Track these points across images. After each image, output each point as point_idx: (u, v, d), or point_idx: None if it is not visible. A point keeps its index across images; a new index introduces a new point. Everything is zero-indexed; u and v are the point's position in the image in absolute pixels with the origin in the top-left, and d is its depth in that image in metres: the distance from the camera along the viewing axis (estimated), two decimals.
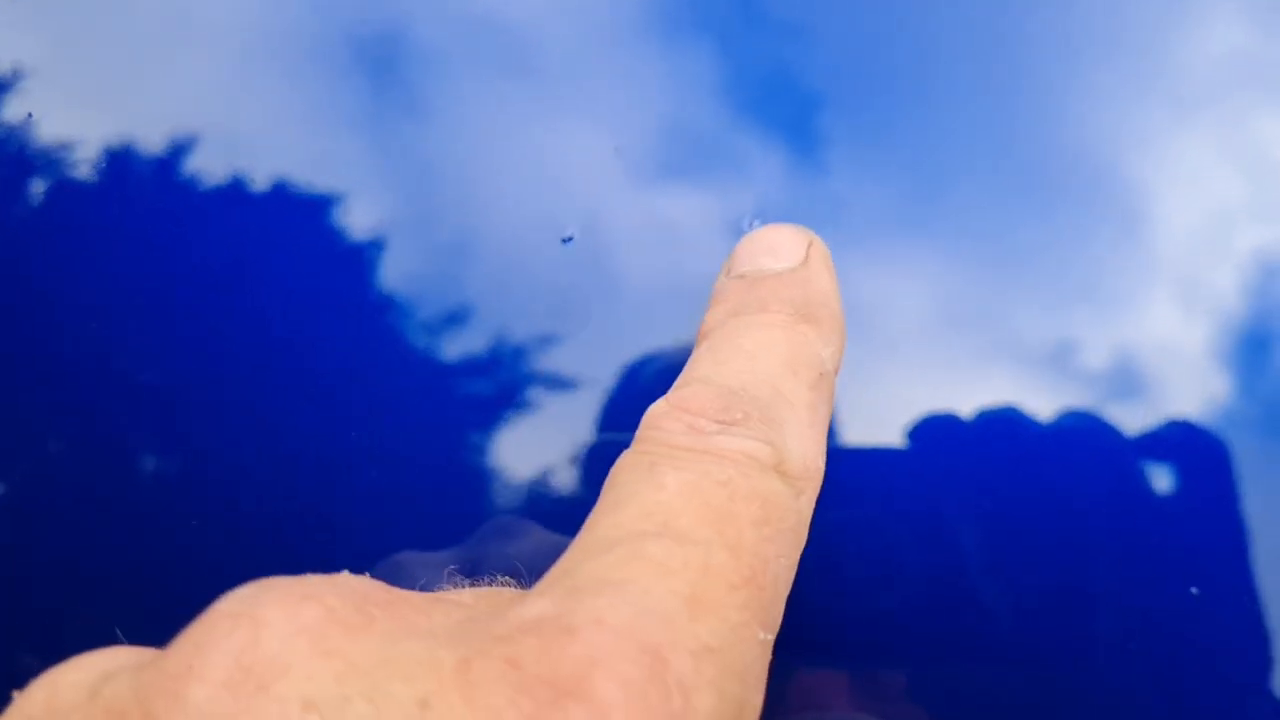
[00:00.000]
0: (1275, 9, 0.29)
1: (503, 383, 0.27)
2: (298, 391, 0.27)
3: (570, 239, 0.26)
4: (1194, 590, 0.25)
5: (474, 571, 0.22)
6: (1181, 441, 0.26)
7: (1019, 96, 0.29)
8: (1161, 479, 0.26)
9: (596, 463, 0.25)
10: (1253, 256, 0.28)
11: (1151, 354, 0.27)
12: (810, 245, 0.21)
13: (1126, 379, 0.27)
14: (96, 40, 0.30)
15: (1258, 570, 0.25)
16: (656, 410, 0.17)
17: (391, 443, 0.26)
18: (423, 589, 0.17)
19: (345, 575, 0.15)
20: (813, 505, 0.18)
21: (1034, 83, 0.29)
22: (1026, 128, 0.28)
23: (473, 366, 0.27)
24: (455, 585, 0.18)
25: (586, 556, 0.15)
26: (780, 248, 0.21)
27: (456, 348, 0.27)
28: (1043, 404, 0.27)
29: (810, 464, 0.17)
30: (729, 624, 0.14)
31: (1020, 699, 0.25)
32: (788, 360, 0.19)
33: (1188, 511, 0.26)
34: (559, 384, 0.27)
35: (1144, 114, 0.28)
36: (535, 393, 0.27)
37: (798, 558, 0.17)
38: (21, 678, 0.15)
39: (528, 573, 0.20)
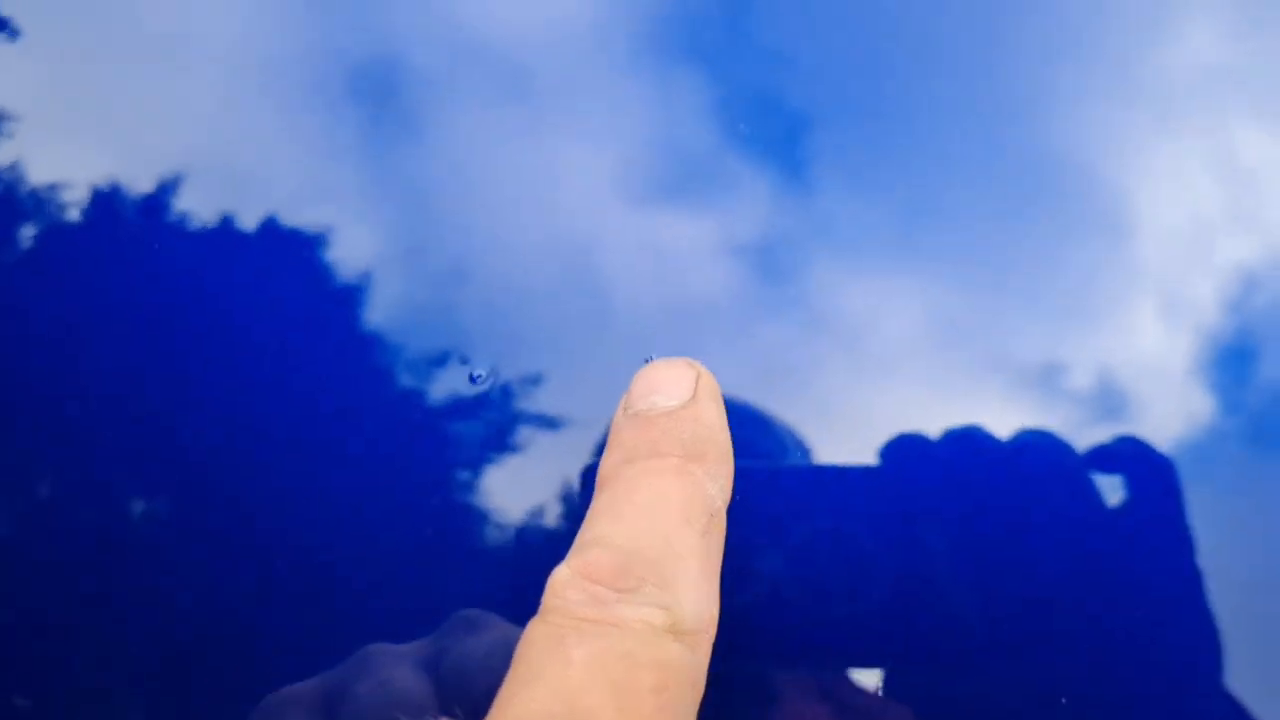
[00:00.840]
0: (1250, 21, 0.30)
1: (493, 422, 0.27)
2: (287, 440, 0.27)
3: (477, 378, 0.27)
4: (1063, 700, 0.26)
5: (437, 664, 0.23)
6: (1134, 456, 0.27)
7: (1001, 107, 0.29)
8: (1115, 493, 0.27)
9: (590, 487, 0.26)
10: (1234, 268, 0.28)
11: (1136, 370, 0.27)
12: (698, 379, 0.23)
13: (1112, 397, 0.27)
14: (85, 81, 0.30)
15: (1209, 579, 0.26)
16: (560, 578, 0.19)
17: (381, 502, 0.27)
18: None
19: None
20: (709, 653, 0.19)
21: (1016, 93, 0.29)
22: (1011, 139, 0.29)
23: (464, 403, 0.27)
24: None
25: None
26: (670, 385, 0.22)
27: (446, 385, 0.27)
28: (1029, 420, 0.27)
29: (704, 616, 0.19)
30: None
31: (995, 703, 0.26)
32: (680, 510, 0.20)
33: (1140, 523, 0.27)
34: (550, 421, 0.27)
35: (1126, 122, 0.29)
36: (527, 431, 0.27)
37: (697, 705, 0.19)
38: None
39: (488, 668, 0.22)
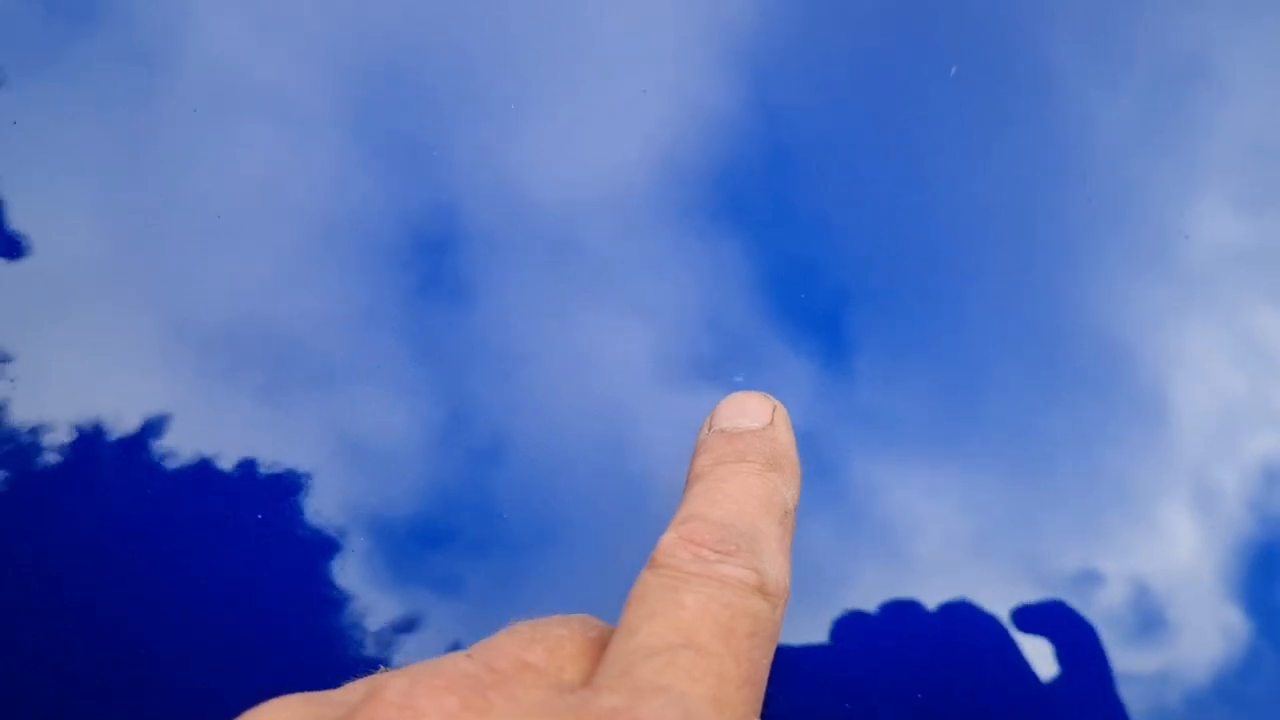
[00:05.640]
0: (1263, 198, 0.30)
1: (525, 600, 0.27)
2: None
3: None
4: None
5: None
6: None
7: (1036, 281, 0.30)
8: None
9: None
10: (1258, 461, 0.28)
11: (1172, 580, 0.27)
12: (774, 410, 0.26)
13: (1149, 609, 0.27)
14: (136, 246, 0.31)
15: None
16: (668, 541, 0.22)
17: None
18: None
19: (459, 660, 0.20)
20: (784, 614, 0.23)
21: (1051, 268, 0.30)
22: (1046, 317, 0.29)
23: (497, 588, 0.27)
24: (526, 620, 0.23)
25: (635, 661, 0.20)
26: (752, 410, 0.26)
27: (485, 567, 0.28)
28: (1063, 630, 0.27)
29: (783, 583, 0.23)
30: (738, 715, 0.20)
31: None
32: (762, 501, 0.24)
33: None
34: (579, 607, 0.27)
35: (1155, 300, 0.29)
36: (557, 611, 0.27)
37: (773, 655, 0.22)
38: None
39: None
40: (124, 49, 0.31)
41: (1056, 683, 0.26)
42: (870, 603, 0.27)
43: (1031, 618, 0.27)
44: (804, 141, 0.31)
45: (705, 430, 0.27)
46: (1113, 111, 0.30)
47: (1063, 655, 0.27)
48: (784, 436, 0.26)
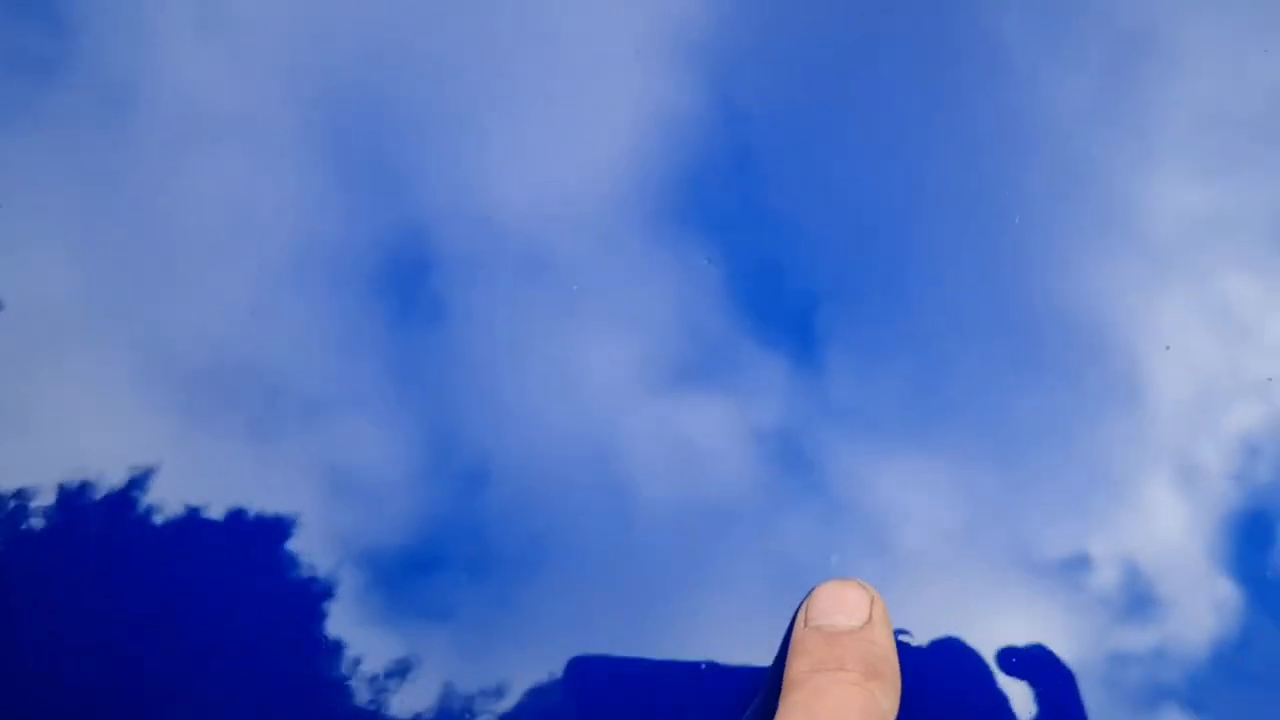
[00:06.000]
0: (1218, 165, 0.30)
1: (522, 631, 0.27)
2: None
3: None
4: None
5: None
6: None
7: (1005, 264, 0.30)
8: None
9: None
10: (1238, 433, 0.28)
11: (1159, 557, 0.27)
12: (873, 603, 0.26)
13: (1137, 588, 0.27)
14: (115, 282, 0.30)
15: None
16: None
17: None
18: None
19: None
20: None
21: (1019, 249, 0.30)
22: (1018, 300, 0.29)
23: (485, 607, 0.27)
24: None
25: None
26: (850, 606, 0.26)
27: (478, 594, 0.27)
28: (1056, 613, 0.27)
29: None
30: None
31: None
32: (862, 716, 0.23)
33: None
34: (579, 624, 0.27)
35: (1124, 274, 0.29)
36: (558, 632, 0.27)
37: None
38: None
39: None
40: (91, 94, 0.31)
41: None
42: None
43: (1016, 661, 0.27)
44: (767, 141, 0.31)
45: (801, 623, 0.26)
46: (1068, 91, 0.31)
47: (1041, 699, 0.27)
48: (883, 638, 0.25)
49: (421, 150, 0.31)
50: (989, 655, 0.27)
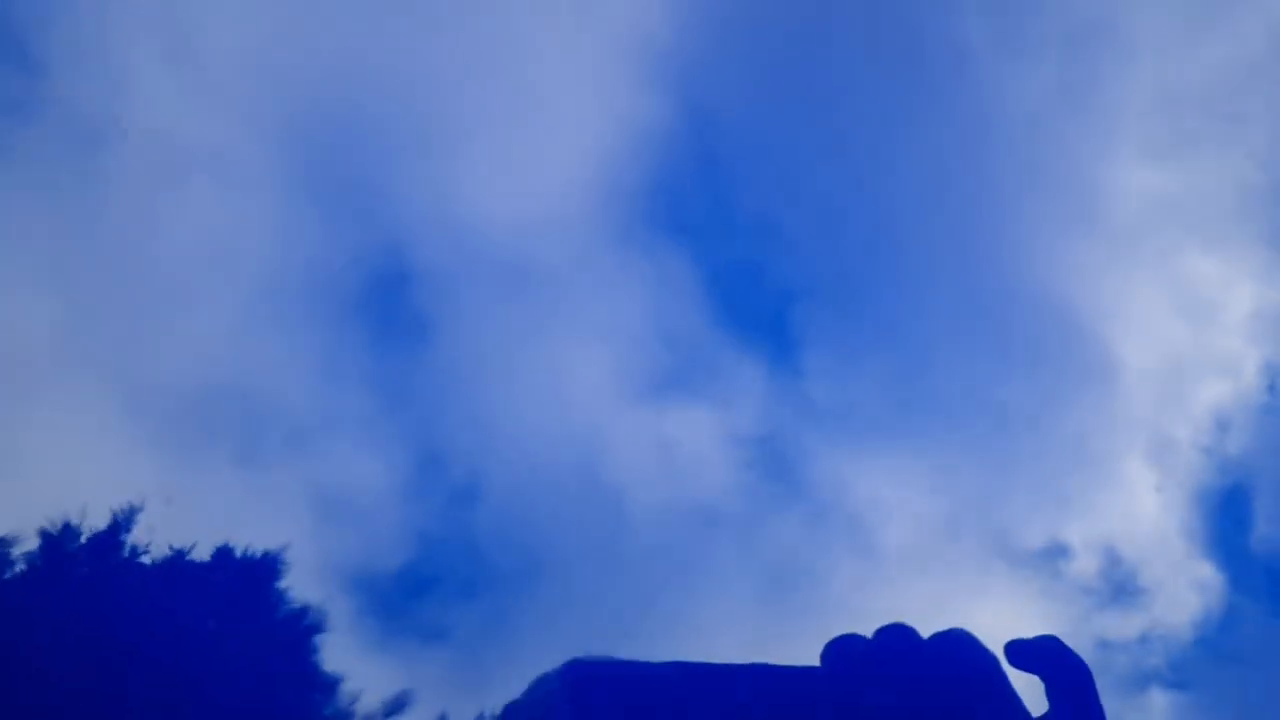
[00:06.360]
0: (1175, 144, 0.31)
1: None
2: None
3: None
4: None
5: None
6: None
7: (971, 261, 0.30)
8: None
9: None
10: (1208, 409, 0.29)
11: (1141, 540, 0.28)
12: None
13: (1122, 573, 0.28)
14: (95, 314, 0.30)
15: None
16: None
17: None
18: None
19: None
20: None
21: (985, 245, 0.30)
22: (987, 291, 0.30)
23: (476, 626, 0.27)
24: None
25: None
26: None
27: (472, 611, 0.28)
28: (1037, 597, 0.27)
29: None
30: None
31: None
32: None
33: None
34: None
35: (1089, 255, 0.30)
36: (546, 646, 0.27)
37: None
38: None
39: None
40: (63, 131, 0.31)
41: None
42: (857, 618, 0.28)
43: (1024, 653, 0.27)
44: (734, 144, 0.31)
45: None
46: (1029, 79, 0.31)
47: (1053, 692, 0.27)
48: None
49: (395, 169, 0.31)
50: (979, 646, 0.27)
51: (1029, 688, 0.27)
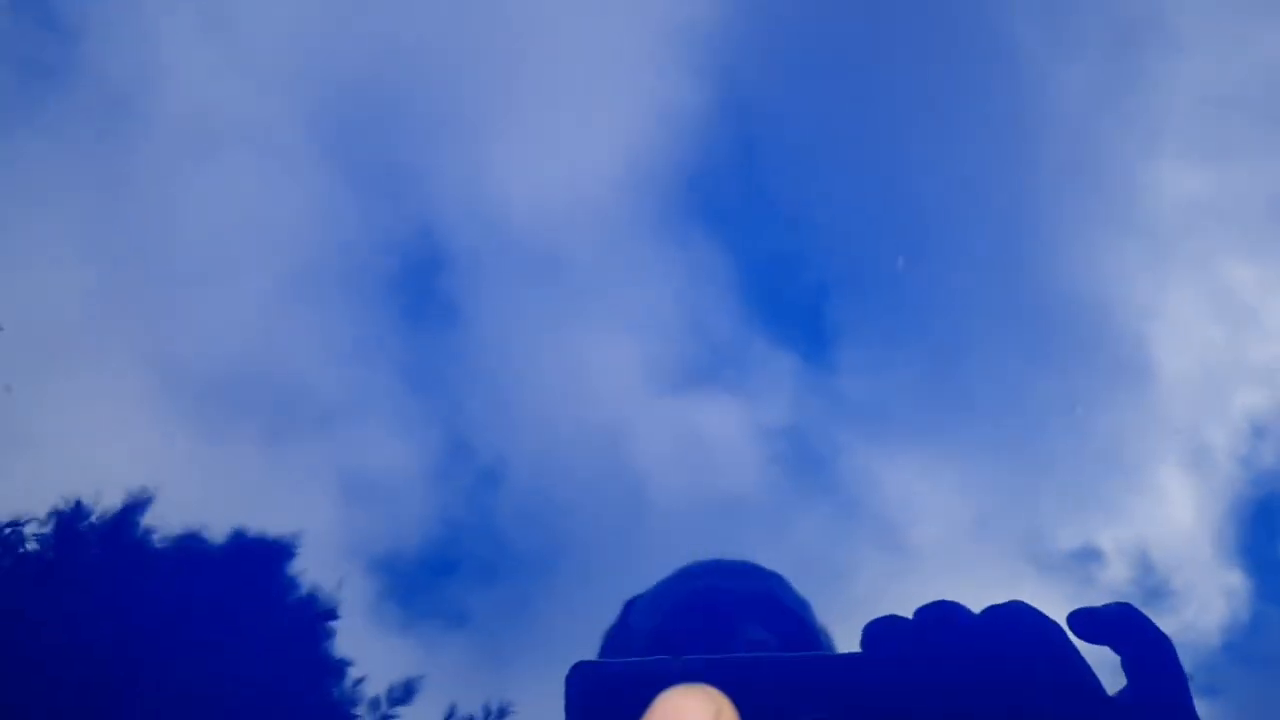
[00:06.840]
0: (1221, 148, 0.30)
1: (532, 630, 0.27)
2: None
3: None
4: None
5: None
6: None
7: (1010, 260, 0.29)
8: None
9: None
10: (1245, 416, 0.28)
11: (1173, 546, 0.27)
12: (719, 714, 0.22)
13: (1154, 578, 0.27)
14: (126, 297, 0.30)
15: None
16: None
17: None
18: None
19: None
20: None
21: (1024, 244, 0.29)
22: (1024, 291, 0.29)
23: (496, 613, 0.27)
24: None
25: None
26: (691, 715, 0.21)
27: (492, 596, 0.27)
28: (1067, 601, 0.27)
29: None
30: None
31: None
32: None
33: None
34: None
35: (1128, 258, 0.29)
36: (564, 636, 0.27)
37: None
38: None
39: None
40: (97, 100, 0.31)
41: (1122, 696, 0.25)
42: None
43: (1094, 624, 0.25)
44: (773, 136, 0.31)
45: None
46: (1071, 81, 0.30)
47: (1131, 667, 0.25)
48: None
49: (429, 151, 0.31)
50: (1042, 618, 0.26)
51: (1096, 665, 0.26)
